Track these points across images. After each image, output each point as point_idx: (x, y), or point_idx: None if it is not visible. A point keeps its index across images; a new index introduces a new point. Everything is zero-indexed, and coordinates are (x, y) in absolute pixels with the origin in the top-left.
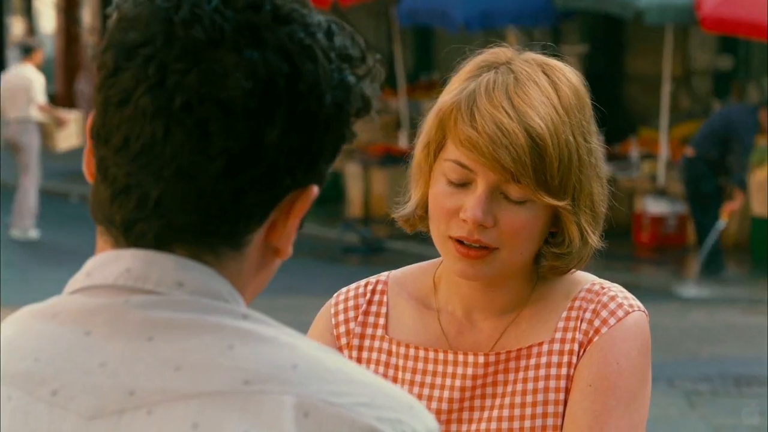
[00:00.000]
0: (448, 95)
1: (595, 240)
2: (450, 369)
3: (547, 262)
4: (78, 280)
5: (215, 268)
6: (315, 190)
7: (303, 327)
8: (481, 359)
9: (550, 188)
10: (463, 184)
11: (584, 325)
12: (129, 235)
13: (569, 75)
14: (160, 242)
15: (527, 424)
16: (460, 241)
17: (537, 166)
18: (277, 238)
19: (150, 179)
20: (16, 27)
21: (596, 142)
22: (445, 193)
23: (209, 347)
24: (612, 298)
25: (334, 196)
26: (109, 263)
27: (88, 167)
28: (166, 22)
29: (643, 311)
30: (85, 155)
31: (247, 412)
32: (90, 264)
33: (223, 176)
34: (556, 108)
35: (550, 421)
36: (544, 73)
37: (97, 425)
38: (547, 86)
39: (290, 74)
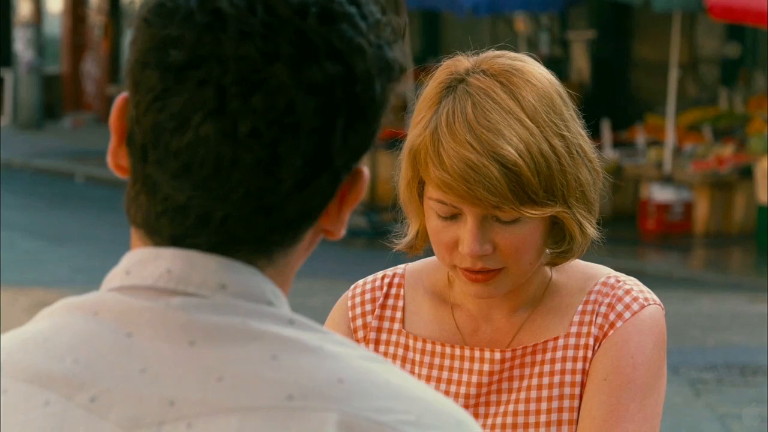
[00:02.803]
0: (415, 130)
1: (592, 230)
2: (467, 365)
3: (549, 259)
4: (116, 277)
5: (265, 269)
6: (366, 172)
7: (309, 311)
8: (497, 355)
9: (537, 202)
10: (454, 216)
11: (599, 320)
12: (178, 245)
13: (530, 75)
14: (212, 251)
15: (543, 418)
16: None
17: (516, 190)
18: (330, 223)
19: (214, 204)
20: (24, 7)
21: (576, 130)
22: (439, 228)
23: (253, 357)
24: (627, 292)
25: None
26: (149, 262)
27: (116, 160)
28: (214, 41)
29: (659, 305)
30: (111, 150)
31: (289, 430)
32: (128, 260)
33: (292, 194)
34: (522, 122)
35: (565, 416)
36: (501, 83)
37: None
38: (507, 101)
39: (345, 78)
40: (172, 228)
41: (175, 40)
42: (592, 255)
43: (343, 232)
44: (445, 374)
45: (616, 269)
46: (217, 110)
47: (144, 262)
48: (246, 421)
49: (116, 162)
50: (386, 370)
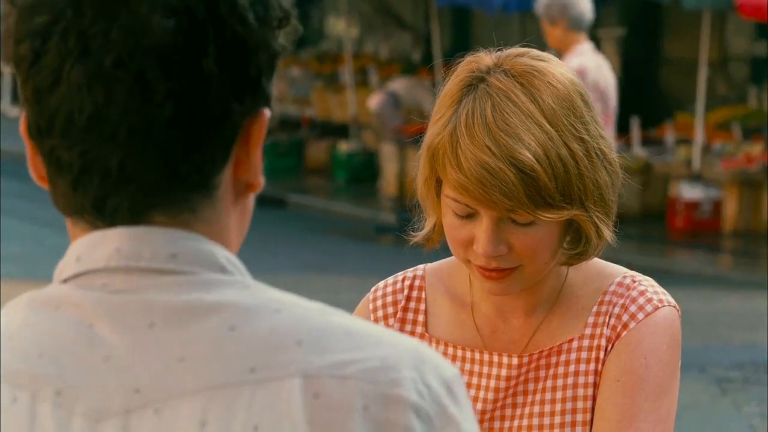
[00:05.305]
0: (434, 127)
1: (609, 232)
2: (486, 369)
3: (564, 259)
4: (68, 266)
5: (195, 225)
6: (267, 113)
7: (335, 307)
8: (515, 361)
9: (553, 206)
10: (470, 215)
11: (612, 321)
12: (104, 215)
13: (551, 77)
14: (136, 213)
15: (557, 419)
16: None
17: (532, 194)
18: (244, 171)
19: (105, 150)
20: None
21: (596, 132)
22: (455, 225)
23: (211, 333)
24: (641, 293)
25: (368, 175)
26: (97, 245)
27: (35, 171)
28: None
29: (674, 306)
30: (29, 161)
31: (255, 405)
32: (77, 248)
33: (175, 121)
34: (541, 125)
35: (579, 417)
36: (521, 85)
37: (104, 427)
38: (526, 104)
39: (206, 1)
40: (88, 195)
41: (35, 5)
42: (620, 253)
43: (262, 181)
44: (465, 378)
45: (644, 267)
46: (83, 53)
47: (93, 246)
48: (212, 401)
49: (38, 173)
50: (343, 321)
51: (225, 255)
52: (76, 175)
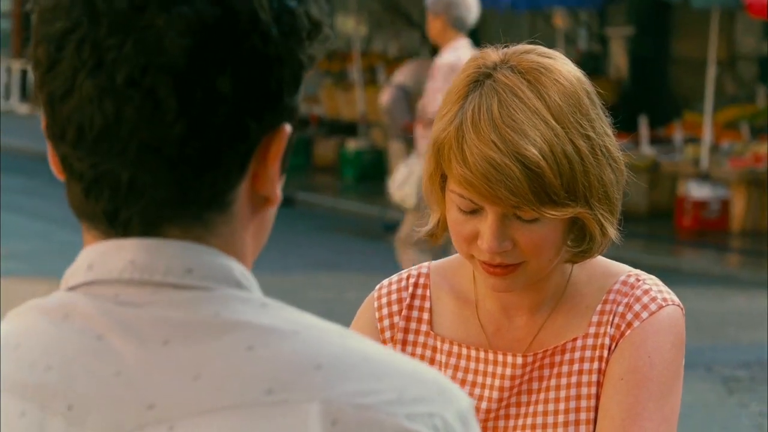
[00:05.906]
0: (440, 123)
1: (613, 230)
2: (490, 368)
3: (568, 257)
4: (78, 273)
5: (209, 239)
6: (287, 128)
7: (344, 305)
8: (519, 360)
9: (558, 203)
10: (474, 211)
11: (616, 319)
12: (116, 226)
13: (557, 74)
14: (148, 225)
15: (561, 418)
16: None
17: (537, 191)
18: (261, 186)
19: (116, 164)
20: None
21: (602, 129)
22: (459, 221)
23: (228, 351)
24: (646, 292)
25: (376, 173)
26: (111, 254)
27: (56, 167)
28: (86, 2)
29: (678, 305)
30: (49, 157)
31: (272, 427)
32: (89, 255)
33: (187, 139)
34: (547, 122)
35: (582, 415)
36: (528, 81)
37: None
38: (533, 100)
39: (224, 17)
40: (99, 205)
41: (55, 9)
42: (627, 252)
43: (279, 195)
44: (470, 377)
45: (651, 266)
46: (96, 66)
47: (106, 255)
48: (227, 420)
49: (58, 170)
50: (362, 347)
51: (240, 270)
52: (88, 185)
